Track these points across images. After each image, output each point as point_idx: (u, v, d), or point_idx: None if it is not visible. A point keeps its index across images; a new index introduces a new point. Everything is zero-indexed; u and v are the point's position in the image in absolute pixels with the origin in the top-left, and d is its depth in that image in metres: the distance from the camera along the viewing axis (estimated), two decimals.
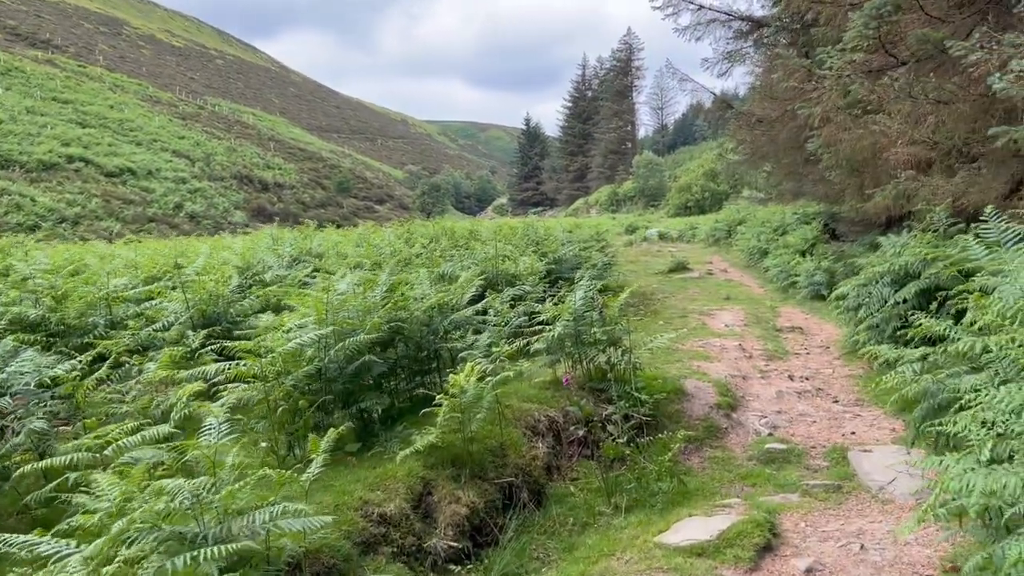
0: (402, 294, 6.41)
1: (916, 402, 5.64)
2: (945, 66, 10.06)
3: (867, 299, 9.24)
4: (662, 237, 35.95)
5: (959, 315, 7.96)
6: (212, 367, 5.27)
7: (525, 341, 7.16)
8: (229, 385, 5.53)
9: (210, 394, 5.56)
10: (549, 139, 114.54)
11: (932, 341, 7.85)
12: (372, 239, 12.59)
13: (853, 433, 7.26)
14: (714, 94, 22.45)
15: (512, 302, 8.79)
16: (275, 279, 9.25)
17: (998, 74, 7.34)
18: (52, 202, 49.28)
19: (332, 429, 4.40)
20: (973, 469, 3.59)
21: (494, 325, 7.91)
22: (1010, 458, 3.47)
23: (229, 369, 5.24)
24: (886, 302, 8.84)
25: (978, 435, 3.78)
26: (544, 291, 10.07)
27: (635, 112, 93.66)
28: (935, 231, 9.03)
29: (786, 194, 23.01)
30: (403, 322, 6.30)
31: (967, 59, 7.88)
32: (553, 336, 6.96)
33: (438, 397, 5.17)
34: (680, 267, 20.68)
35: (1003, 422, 3.55)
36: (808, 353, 10.64)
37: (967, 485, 3.06)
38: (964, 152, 10.81)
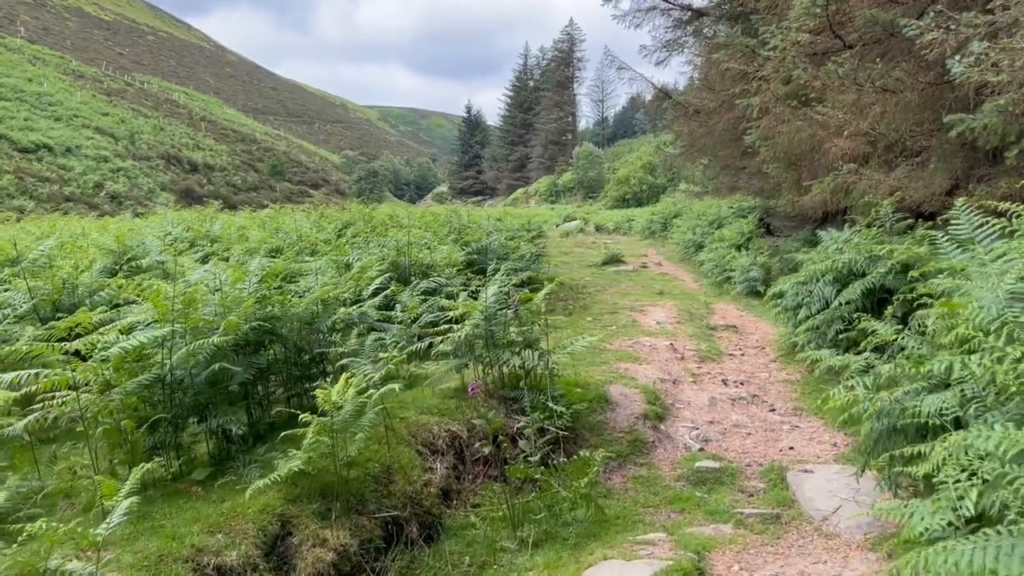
0: (278, 287, 5.41)
1: (862, 419, 4.89)
2: (893, 51, 9.45)
3: (807, 299, 8.57)
4: (599, 229, 35.38)
5: (905, 318, 7.33)
6: (9, 376, 4.21)
7: (428, 342, 6.26)
8: (59, 395, 4.49)
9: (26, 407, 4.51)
10: (490, 128, 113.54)
11: (877, 347, 7.21)
12: (279, 223, 11.50)
13: (792, 448, 6.54)
14: (652, 83, 21.76)
15: (424, 296, 7.89)
16: (152, 266, 8.14)
17: (957, 57, 6.67)
18: None
19: (154, 460, 3.42)
20: (956, 529, 2.81)
21: (400, 323, 7.01)
22: (1000, 517, 2.70)
23: (44, 377, 4.20)
24: (828, 303, 8.17)
25: (957, 481, 3.01)
26: (464, 284, 9.18)
27: (576, 103, 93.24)
28: (880, 227, 8.39)
29: (722, 188, 22.61)
30: (277, 320, 5.32)
31: (921, 39, 7.20)
32: (460, 337, 6.07)
33: (302, 416, 4.22)
34: (614, 260, 20.00)
35: (992, 469, 2.78)
36: (743, 354, 9.96)
37: (957, 566, 2.26)
38: (908, 146, 10.27)
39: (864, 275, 7.87)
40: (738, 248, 16.27)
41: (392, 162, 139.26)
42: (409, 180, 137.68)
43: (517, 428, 5.91)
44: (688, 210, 24.77)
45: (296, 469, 4.22)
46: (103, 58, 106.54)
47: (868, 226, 8.59)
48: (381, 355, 5.14)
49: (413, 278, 9.08)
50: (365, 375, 4.88)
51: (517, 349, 6.47)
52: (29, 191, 49.94)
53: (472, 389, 5.80)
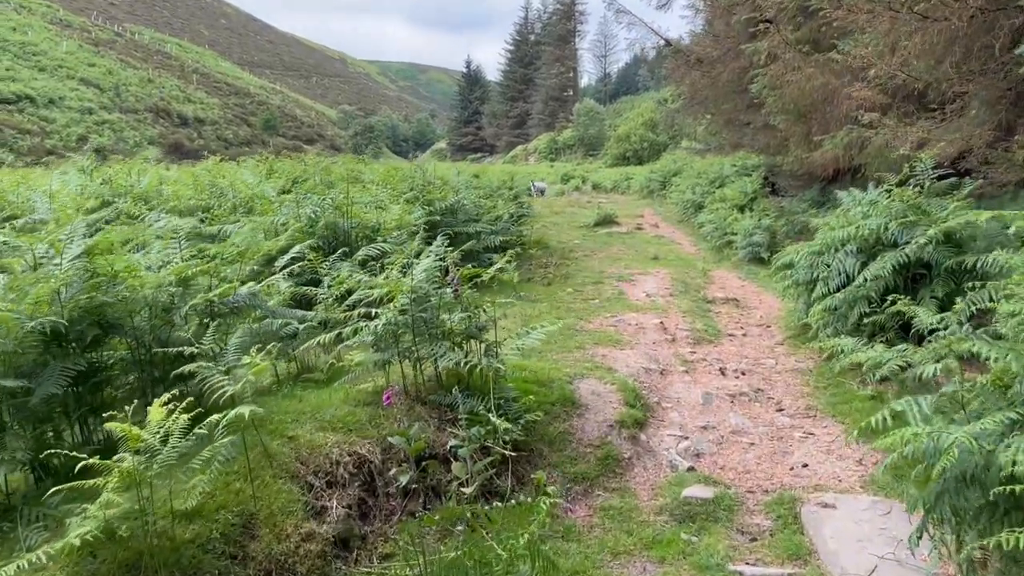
0: (111, 263, 3.97)
1: (912, 455, 3.47)
2: None
3: (824, 273, 7.13)
4: (596, 187, 33.91)
5: (948, 300, 5.91)
6: None
7: (336, 332, 4.85)
8: None
9: None
10: (490, 84, 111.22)
11: (908, 330, 5.80)
12: (216, 178, 10.00)
13: (805, 466, 5.15)
14: (652, 28, 20.14)
15: (365, 266, 6.47)
16: (32, 226, 6.70)
17: None
18: None
19: None
20: None
21: (320, 303, 5.61)
22: None
23: None
24: (850, 278, 6.74)
25: None
26: (420, 251, 7.76)
27: (577, 58, 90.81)
28: (915, 185, 6.91)
29: (726, 145, 21.21)
30: (110, 307, 3.90)
31: None
32: (379, 327, 4.65)
33: (88, 461, 2.82)
34: (607, 220, 18.54)
35: None
36: (745, 334, 8.54)
37: None
38: (943, 92, 8.79)
39: (896, 245, 6.43)
40: (741, 209, 14.79)
41: (390, 118, 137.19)
42: (408, 136, 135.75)
43: (451, 446, 4.51)
44: (689, 168, 23.20)
45: (89, 535, 2.84)
46: (93, 7, 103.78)
47: (899, 185, 7.11)
48: (244, 360, 3.70)
49: (358, 243, 7.66)
50: (216, 389, 3.48)
51: (458, 340, 5.05)
52: (8, 143, 48.30)
53: (387, 397, 4.39)
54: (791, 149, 13.85)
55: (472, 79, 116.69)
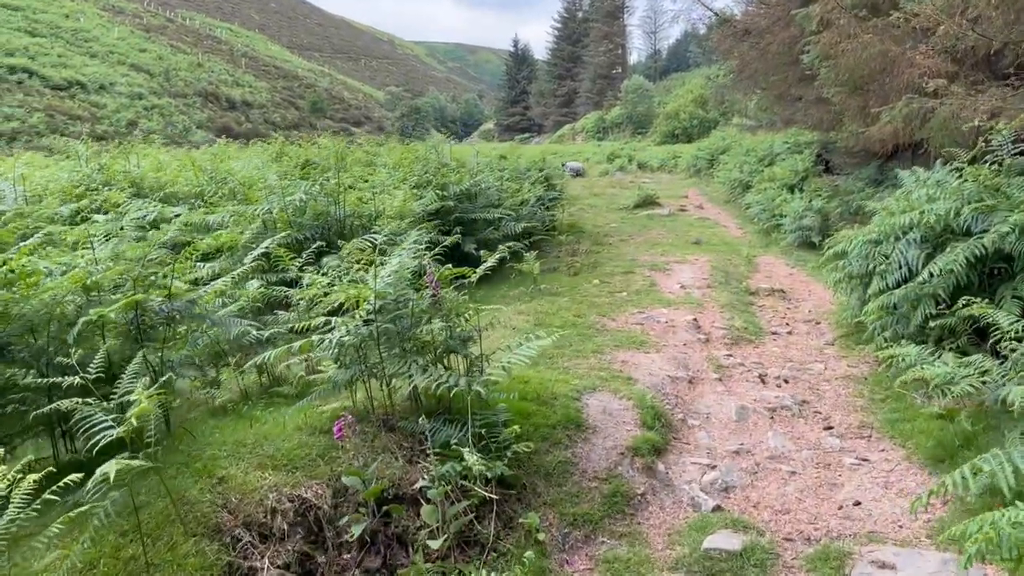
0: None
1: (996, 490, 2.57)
2: None
3: (882, 265, 6.15)
4: (641, 167, 32.77)
5: None
6: None
7: (300, 343, 4.08)
8: None
9: None
10: (538, 63, 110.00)
11: (984, 336, 4.83)
12: (218, 163, 9.30)
13: (858, 504, 4.26)
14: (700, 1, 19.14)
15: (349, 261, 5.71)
16: None
17: None
18: None
19: None
20: None
21: (293, 308, 4.89)
22: None
23: None
24: (912, 272, 5.77)
25: None
26: (427, 243, 6.99)
27: (626, 35, 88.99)
28: (994, 163, 5.89)
29: (777, 121, 20.11)
30: None
31: None
32: (334, 341, 3.88)
33: None
34: (648, 202, 17.55)
35: None
36: (791, 332, 7.60)
37: None
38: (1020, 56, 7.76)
39: (969, 234, 5.44)
40: (791, 189, 13.70)
41: (438, 99, 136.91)
42: (455, 117, 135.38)
43: (420, 488, 3.73)
44: (737, 145, 21.99)
45: None
46: None
47: (972, 162, 6.08)
48: (135, 391, 2.93)
49: (355, 233, 6.90)
50: (92, 427, 2.75)
51: (435, 355, 4.25)
52: (59, 129, 48.76)
53: (339, 429, 3.62)
54: (846, 124, 12.97)
55: (519, 58, 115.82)
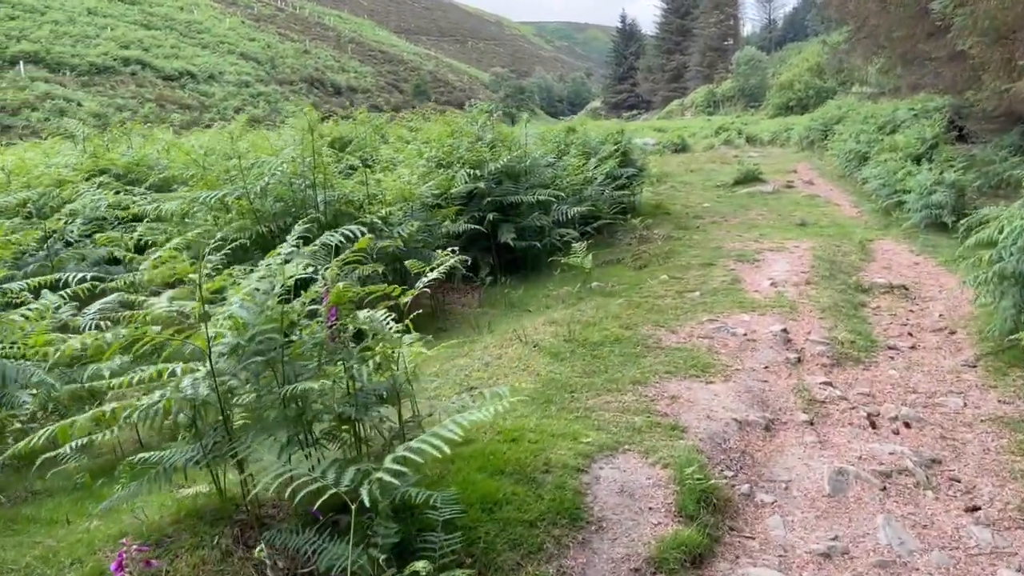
0: None
1: None
2: None
3: None
4: (750, 140, 30.49)
5: None
6: None
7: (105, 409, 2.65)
8: None
9: None
10: (646, 38, 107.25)
11: None
12: (232, 143, 7.97)
13: None
14: None
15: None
16: None
17: None
18: (99, 107, 46.88)
19: None
20: None
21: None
22: None
23: None
24: None
25: None
26: (449, 237, 5.52)
27: (738, 5, 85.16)
28: None
29: (902, 87, 17.73)
30: None
31: None
32: (151, 401, 2.43)
33: None
34: (749, 178, 15.54)
35: None
36: (914, 347, 5.72)
37: None
38: None
39: None
40: (916, 160, 11.48)
41: (545, 78, 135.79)
42: (562, 96, 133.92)
43: None
44: (855, 114, 19.51)
45: None
46: None
47: None
48: None
49: (342, 223, 5.46)
50: None
51: (340, 416, 2.74)
52: (169, 118, 49.89)
53: (117, 568, 2.17)
54: (985, 81, 10.94)
55: (627, 34, 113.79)
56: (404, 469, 2.27)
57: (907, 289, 7.22)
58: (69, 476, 3.35)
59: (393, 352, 2.71)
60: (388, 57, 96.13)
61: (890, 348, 5.69)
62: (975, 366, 5.26)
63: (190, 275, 2.86)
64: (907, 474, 3.83)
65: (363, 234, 4.33)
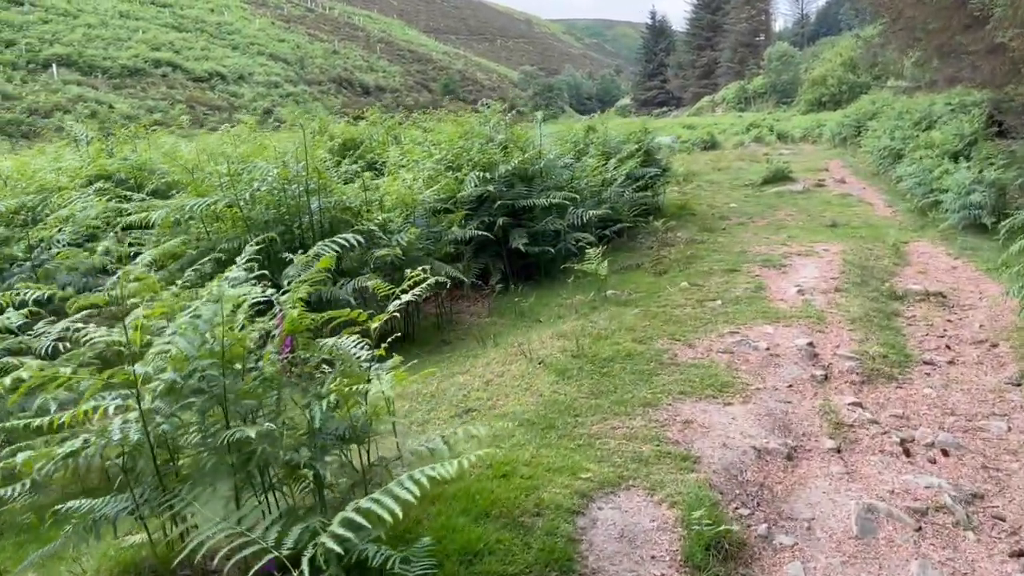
0: None
1: None
2: None
3: None
4: (781, 137, 29.91)
5: None
6: None
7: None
8: None
9: None
10: (676, 34, 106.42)
11: None
12: (234, 146, 7.68)
13: None
14: None
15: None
16: None
17: None
18: (131, 108, 47.31)
19: None
20: None
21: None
22: None
23: None
24: None
25: None
26: (457, 243, 5.21)
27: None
28: None
29: (939, 80, 17.10)
30: None
31: None
32: (66, 449, 2.14)
33: None
34: (778, 176, 15.06)
35: None
36: (953, 362, 5.30)
37: None
38: None
39: None
40: (954, 157, 10.97)
41: (574, 76, 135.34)
42: (591, 94, 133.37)
43: None
44: (889, 109, 18.88)
45: None
46: None
47: None
48: None
49: (334, 231, 5.17)
50: None
51: (289, 463, 2.42)
52: (200, 120, 50.17)
53: None
54: None
55: (657, 31, 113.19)
56: (360, 524, 1.95)
57: (944, 296, 6.78)
58: (15, 515, 3.09)
59: (353, 388, 2.39)
60: (417, 56, 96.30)
61: (926, 363, 5.27)
62: (1020, 384, 4.84)
63: (153, 294, 2.58)
64: (945, 511, 3.45)
65: (359, 243, 4.02)
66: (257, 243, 3.50)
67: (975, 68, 13.25)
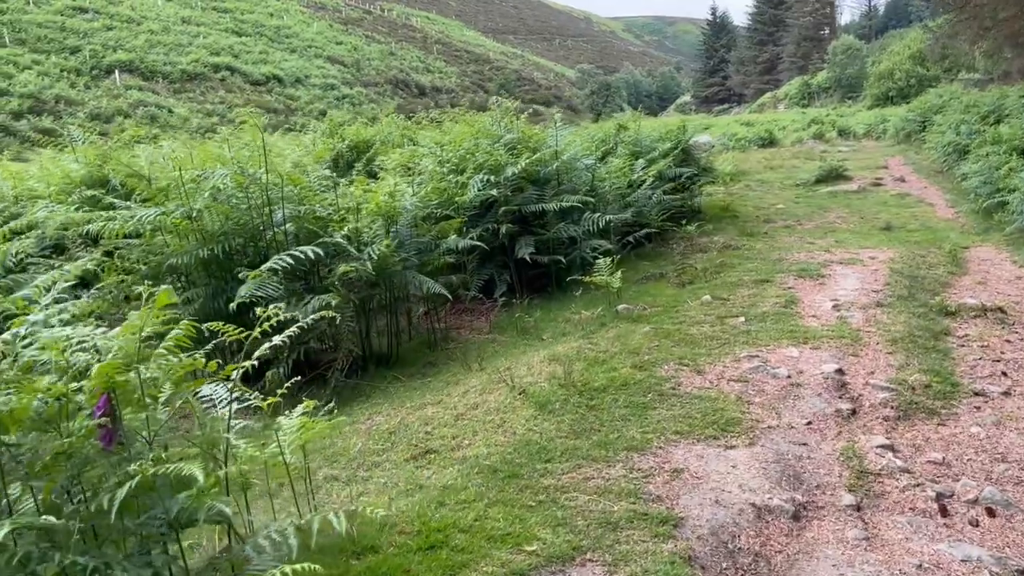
0: None
1: None
2: None
3: None
4: (843, 133, 28.72)
5: None
6: None
7: None
8: None
9: None
10: (737, 29, 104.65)
11: None
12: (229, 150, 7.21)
13: None
14: None
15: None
16: None
17: None
18: (188, 112, 48.15)
19: None
20: None
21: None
22: None
23: None
24: None
25: None
26: (457, 253, 4.70)
27: None
28: None
29: (1012, 71, 16.03)
30: None
31: None
32: None
33: None
34: (833, 175, 14.20)
35: None
36: (1008, 393, 4.55)
37: None
38: None
39: None
40: (1023, 154, 10.02)
41: (633, 74, 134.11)
42: (651, 92, 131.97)
43: None
44: (956, 102, 17.75)
45: None
46: None
47: None
48: None
49: (306, 244, 4.67)
50: None
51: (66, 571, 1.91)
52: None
53: None
54: None
55: (718, 26, 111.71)
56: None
57: (1004, 312, 5.98)
58: None
59: (164, 468, 1.87)
60: (474, 57, 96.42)
61: (976, 394, 4.54)
62: None
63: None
64: None
65: (318, 257, 3.52)
66: (206, 256, 3.01)
67: None
